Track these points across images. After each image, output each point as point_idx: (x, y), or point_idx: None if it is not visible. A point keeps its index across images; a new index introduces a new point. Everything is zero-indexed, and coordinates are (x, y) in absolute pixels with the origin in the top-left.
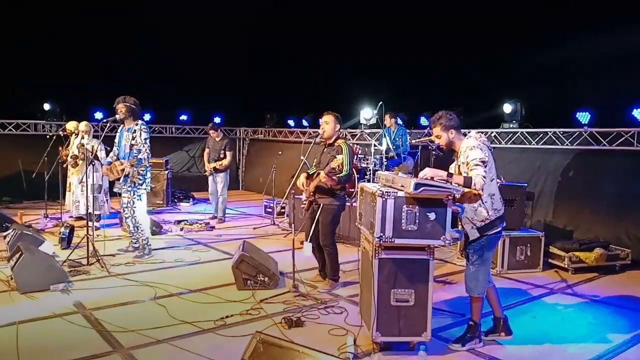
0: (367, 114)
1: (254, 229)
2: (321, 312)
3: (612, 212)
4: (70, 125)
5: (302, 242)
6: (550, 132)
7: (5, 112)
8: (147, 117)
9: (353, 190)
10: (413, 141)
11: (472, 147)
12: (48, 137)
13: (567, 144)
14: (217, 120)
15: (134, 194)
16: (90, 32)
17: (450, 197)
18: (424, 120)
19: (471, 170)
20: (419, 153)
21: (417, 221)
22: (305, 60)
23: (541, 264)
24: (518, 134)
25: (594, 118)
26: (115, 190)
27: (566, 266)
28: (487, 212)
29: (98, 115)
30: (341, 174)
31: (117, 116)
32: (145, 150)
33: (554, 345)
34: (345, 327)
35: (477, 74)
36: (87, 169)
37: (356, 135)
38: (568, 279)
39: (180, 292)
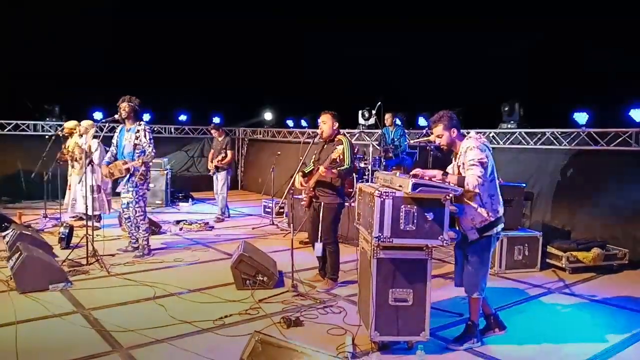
0: (364, 114)
1: (253, 228)
2: (320, 312)
3: (610, 212)
4: (70, 125)
5: (301, 242)
6: (548, 132)
7: (5, 112)
8: (146, 117)
9: (352, 190)
10: (411, 141)
11: (471, 147)
12: (47, 137)
13: (565, 144)
14: (216, 120)
15: (136, 194)
16: (90, 32)
17: (448, 197)
18: (422, 121)
19: (467, 169)
20: (417, 153)
21: (415, 221)
22: (304, 60)
23: (539, 263)
24: (516, 134)
25: (591, 118)
26: (118, 190)
27: (564, 266)
28: (487, 213)
29: (97, 115)
30: (342, 167)
31: (116, 115)
32: (151, 151)
33: (552, 344)
34: (344, 327)
35: (476, 73)
36: (86, 168)
37: (355, 135)
38: (566, 279)
39: (179, 291)
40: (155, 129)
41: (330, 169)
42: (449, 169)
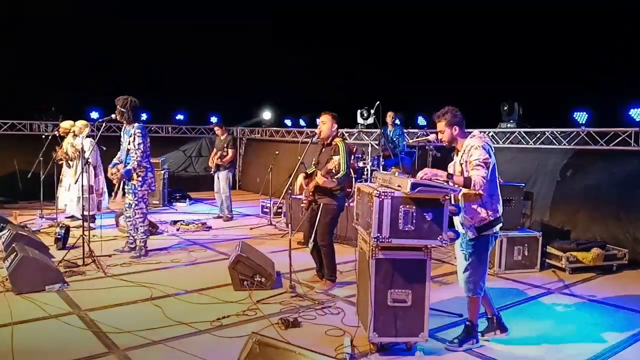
0: (363, 114)
1: (251, 229)
2: (318, 313)
3: (610, 212)
4: (65, 125)
5: (299, 243)
6: (547, 132)
7: (1, 112)
8: (143, 116)
9: (350, 190)
10: (410, 141)
11: (476, 146)
12: (44, 137)
13: (564, 144)
14: (214, 119)
15: (135, 196)
16: (88, 31)
17: (447, 197)
18: (421, 120)
19: (472, 169)
20: (416, 153)
21: (414, 221)
22: (303, 59)
23: (539, 264)
24: (516, 133)
25: (591, 118)
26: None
27: (563, 266)
28: (487, 212)
29: (94, 114)
30: (338, 175)
31: (113, 115)
32: (136, 157)
33: (551, 345)
34: (342, 328)
35: (475, 73)
36: (83, 168)
37: (354, 134)
38: (565, 279)
39: (176, 292)
40: (153, 128)
41: (328, 177)
42: (450, 166)
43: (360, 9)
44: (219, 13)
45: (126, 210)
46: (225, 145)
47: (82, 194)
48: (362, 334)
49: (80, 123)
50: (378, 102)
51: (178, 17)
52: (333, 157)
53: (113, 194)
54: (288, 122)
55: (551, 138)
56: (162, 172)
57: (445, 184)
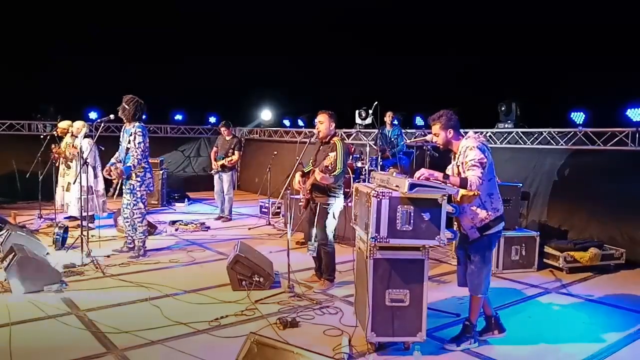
0: (361, 114)
1: (249, 229)
2: (316, 313)
3: (607, 211)
4: (63, 125)
5: (297, 243)
6: (545, 132)
7: None
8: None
9: (348, 190)
10: (408, 141)
11: (471, 147)
12: (42, 137)
13: (561, 144)
14: (212, 120)
15: (133, 196)
16: (87, 31)
17: (444, 198)
18: (419, 120)
19: (468, 170)
20: (414, 153)
21: (411, 221)
22: (302, 59)
23: (536, 263)
24: (513, 133)
25: (588, 118)
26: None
27: (561, 266)
28: (487, 212)
29: (92, 115)
30: (335, 172)
31: (112, 116)
32: (136, 156)
33: (549, 344)
34: (340, 328)
35: (473, 73)
36: (81, 169)
37: (351, 135)
38: (563, 279)
39: (174, 292)
40: (151, 128)
41: (325, 174)
42: (449, 169)
43: (360, 9)
44: (219, 12)
45: (124, 211)
46: (231, 147)
47: (81, 195)
48: (360, 333)
49: (78, 123)
50: (376, 102)
51: (178, 16)
52: (329, 154)
53: (111, 189)
54: (287, 122)
55: (548, 138)
56: (161, 172)
57: (443, 184)
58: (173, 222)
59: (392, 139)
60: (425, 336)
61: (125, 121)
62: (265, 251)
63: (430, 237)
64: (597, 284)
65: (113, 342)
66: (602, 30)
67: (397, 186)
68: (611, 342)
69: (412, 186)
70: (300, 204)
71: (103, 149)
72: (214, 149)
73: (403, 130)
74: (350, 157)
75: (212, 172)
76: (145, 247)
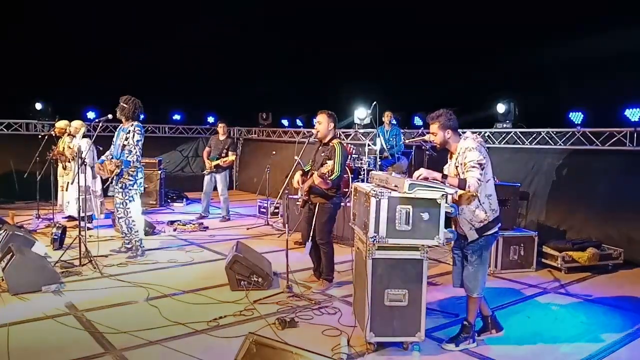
0: (361, 113)
1: (248, 229)
2: (315, 313)
3: (605, 211)
4: (61, 125)
5: (296, 243)
6: (543, 132)
7: None
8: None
9: (347, 190)
10: (407, 141)
11: (470, 148)
12: (40, 137)
13: (560, 144)
14: (210, 120)
15: (125, 195)
16: (85, 31)
17: (443, 198)
18: (417, 120)
19: (467, 171)
20: (412, 153)
21: (410, 221)
22: (301, 59)
23: (534, 263)
24: (511, 134)
25: (586, 118)
26: (109, 193)
27: (559, 266)
28: (485, 213)
29: (90, 114)
30: (332, 177)
31: (110, 115)
32: (135, 152)
33: (547, 344)
34: (339, 328)
35: (471, 73)
36: (79, 169)
37: (350, 135)
38: (561, 279)
39: (173, 293)
40: (149, 128)
41: (323, 179)
42: (445, 168)
43: (360, 9)
44: (218, 13)
45: (117, 210)
46: (225, 147)
47: (79, 195)
48: (359, 333)
49: (76, 123)
50: (375, 102)
51: (177, 16)
52: (327, 162)
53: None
54: (285, 122)
55: (547, 138)
56: (159, 172)
57: (442, 184)
58: (171, 222)
59: (391, 139)
60: (424, 336)
61: (123, 120)
62: (264, 251)
63: (429, 237)
64: (595, 283)
65: (111, 343)
66: (603, 30)
67: (396, 186)
68: (610, 342)
69: (411, 186)
70: (297, 203)
71: (101, 149)
72: (207, 149)
73: (402, 130)
74: (350, 158)
75: (205, 172)
76: (143, 247)
